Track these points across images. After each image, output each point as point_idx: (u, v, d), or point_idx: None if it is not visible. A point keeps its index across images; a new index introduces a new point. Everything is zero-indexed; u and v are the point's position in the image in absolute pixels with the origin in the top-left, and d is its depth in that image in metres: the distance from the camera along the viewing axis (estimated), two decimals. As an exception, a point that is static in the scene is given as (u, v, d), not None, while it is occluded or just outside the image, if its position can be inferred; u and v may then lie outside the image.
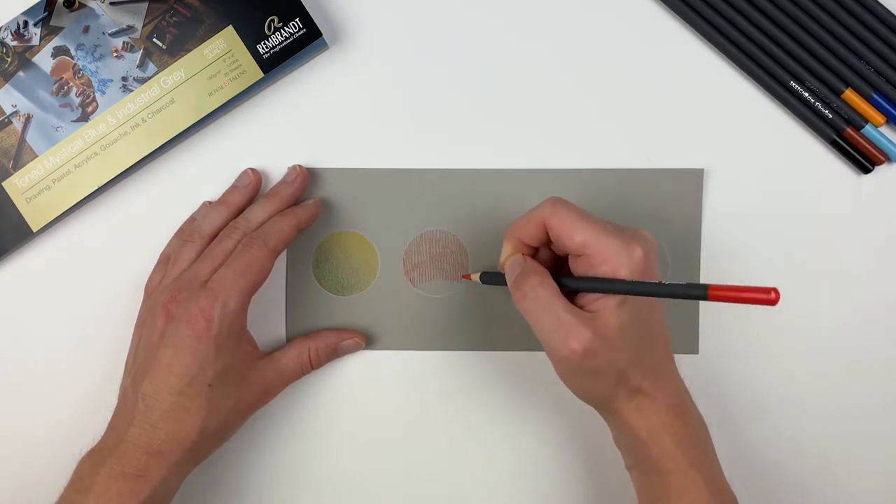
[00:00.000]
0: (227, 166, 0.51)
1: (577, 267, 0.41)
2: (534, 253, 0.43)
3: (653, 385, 0.41)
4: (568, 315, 0.39)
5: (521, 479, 0.51)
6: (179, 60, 0.48)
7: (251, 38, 0.48)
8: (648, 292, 0.37)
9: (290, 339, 0.51)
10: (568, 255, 0.42)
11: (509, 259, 0.43)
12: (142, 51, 0.48)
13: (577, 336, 0.39)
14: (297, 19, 0.48)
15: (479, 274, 0.48)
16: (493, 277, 0.47)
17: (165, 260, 0.49)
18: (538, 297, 0.40)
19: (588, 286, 0.40)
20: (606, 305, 0.39)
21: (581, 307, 0.40)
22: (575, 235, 0.40)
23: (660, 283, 0.37)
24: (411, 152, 0.51)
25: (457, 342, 0.51)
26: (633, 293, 0.38)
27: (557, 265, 0.44)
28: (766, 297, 0.30)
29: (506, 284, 0.43)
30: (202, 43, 0.48)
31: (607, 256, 0.39)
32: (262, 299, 0.48)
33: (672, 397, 0.42)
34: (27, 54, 0.48)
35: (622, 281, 0.39)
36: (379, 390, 0.51)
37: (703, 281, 0.51)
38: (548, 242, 0.43)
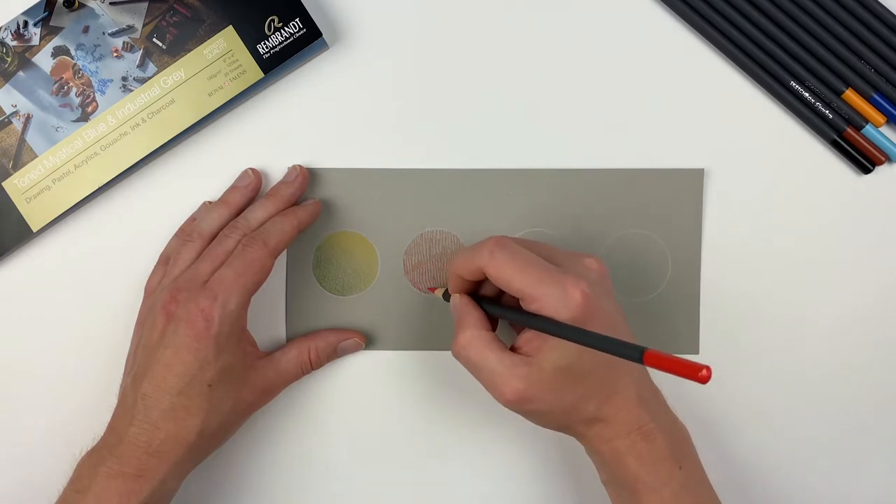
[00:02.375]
0: (227, 166, 0.51)
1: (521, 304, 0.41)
2: (478, 286, 0.44)
3: (610, 411, 0.41)
4: (500, 367, 0.40)
5: (521, 479, 0.51)
6: (179, 60, 0.48)
7: (251, 38, 0.48)
8: (580, 341, 0.37)
9: (290, 339, 0.51)
10: None
11: (452, 298, 0.44)
12: (142, 51, 0.48)
13: (509, 387, 0.40)
14: (297, 19, 0.48)
15: (443, 290, 0.48)
16: None
17: (165, 260, 0.49)
18: (469, 355, 0.41)
19: (529, 322, 0.40)
20: (542, 347, 0.40)
21: (520, 347, 0.41)
22: (512, 284, 0.40)
23: (594, 333, 0.36)
24: (411, 152, 0.51)
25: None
26: (567, 338, 0.38)
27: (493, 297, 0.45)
28: (697, 374, 0.29)
29: None
30: (202, 43, 0.48)
31: (544, 305, 0.39)
32: (262, 299, 0.48)
33: (633, 420, 0.41)
34: (27, 54, 0.48)
35: (559, 324, 0.38)
36: (379, 390, 0.51)
37: (702, 282, 0.51)
38: None
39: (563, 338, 0.38)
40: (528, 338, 0.41)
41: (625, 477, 0.41)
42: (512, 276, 0.40)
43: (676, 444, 0.42)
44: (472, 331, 0.42)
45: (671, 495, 0.41)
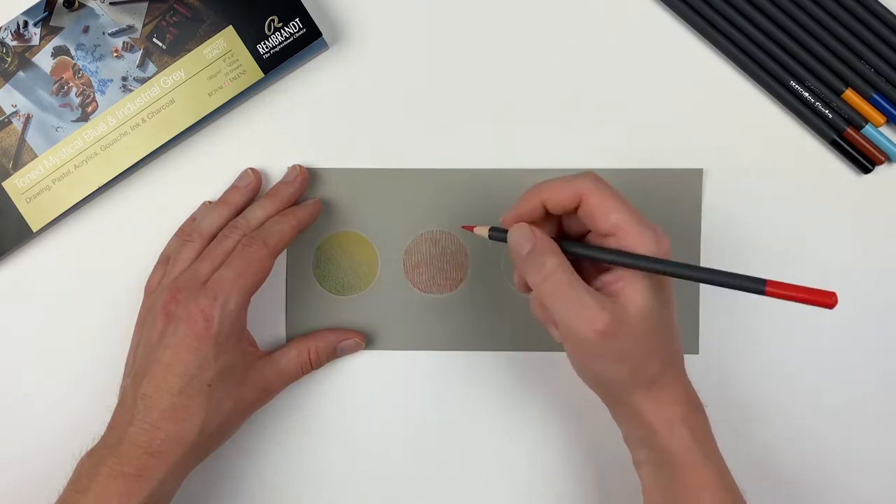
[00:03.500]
0: (227, 166, 0.51)
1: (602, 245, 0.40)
2: (540, 221, 0.42)
3: (670, 375, 0.41)
4: (590, 297, 0.38)
5: (522, 478, 0.51)
6: (179, 60, 0.48)
7: (251, 38, 0.48)
8: (696, 277, 0.36)
9: (290, 339, 0.51)
10: (588, 232, 0.41)
11: (517, 227, 0.41)
12: (142, 51, 0.48)
13: (601, 318, 0.38)
14: (297, 19, 0.48)
15: (486, 228, 0.45)
16: (503, 234, 0.43)
17: (165, 260, 0.49)
18: (559, 281, 0.39)
19: (627, 261, 0.39)
20: (629, 291, 0.39)
21: (601, 288, 0.40)
22: (611, 215, 0.39)
23: (708, 268, 0.35)
24: (411, 152, 0.51)
25: (457, 342, 0.51)
26: (678, 276, 0.37)
27: (556, 238, 0.42)
28: (827, 300, 0.29)
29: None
30: (202, 43, 0.48)
31: (637, 242, 0.38)
32: (262, 299, 0.48)
33: (686, 389, 0.41)
34: (27, 54, 0.48)
35: (669, 261, 0.37)
36: (379, 390, 0.51)
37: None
38: (566, 214, 0.41)
39: (673, 274, 0.37)
40: (610, 280, 0.39)
41: (674, 450, 0.40)
42: (614, 206, 0.39)
43: (710, 426, 0.42)
44: (559, 259, 0.39)
45: (716, 474, 0.40)
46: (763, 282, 0.30)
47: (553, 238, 0.41)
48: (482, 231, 0.44)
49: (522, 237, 0.41)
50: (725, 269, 0.50)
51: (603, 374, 0.41)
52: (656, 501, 0.42)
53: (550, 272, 0.39)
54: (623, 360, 0.39)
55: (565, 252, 0.40)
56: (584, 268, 0.41)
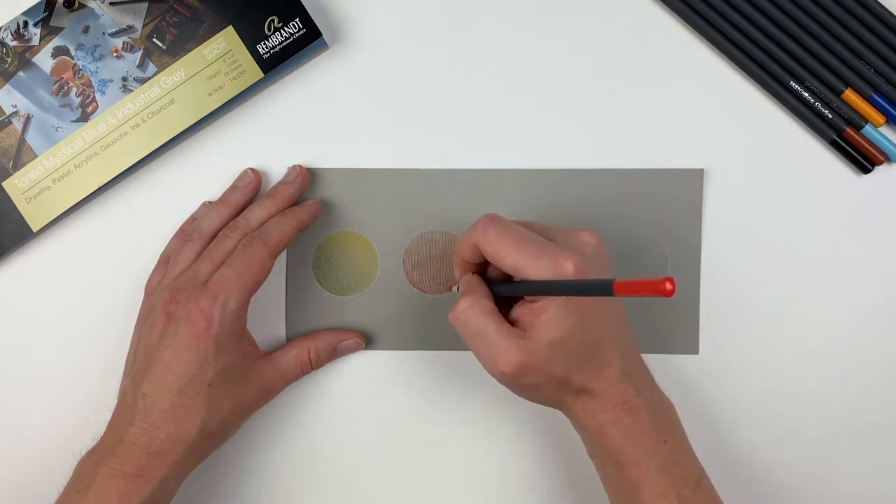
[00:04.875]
0: (227, 166, 0.51)
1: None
2: (485, 266, 0.44)
3: (597, 385, 0.41)
4: (497, 337, 0.40)
5: (522, 478, 0.51)
6: (179, 60, 0.48)
7: (251, 38, 0.48)
8: (553, 291, 0.38)
9: (290, 339, 0.51)
10: None
11: (461, 279, 0.44)
12: (142, 51, 0.48)
13: (506, 359, 0.40)
14: (296, 19, 0.48)
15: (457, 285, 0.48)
16: None
17: (165, 260, 0.49)
18: (468, 320, 0.41)
19: (518, 290, 0.41)
20: (535, 322, 0.40)
21: (516, 320, 0.41)
22: (506, 259, 0.40)
23: (563, 281, 0.38)
24: (411, 152, 0.51)
25: (456, 342, 0.51)
26: (540, 293, 0.39)
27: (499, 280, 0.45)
28: (662, 288, 0.29)
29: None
30: (202, 43, 0.48)
31: (538, 275, 0.39)
32: (262, 299, 0.48)
33: (619, 395, 0.42)
34: (27, 54, 0.48)
35: (535, 283, 0.39)
36: (379, 390, 0.51)
37: (702, 282, 0.51)
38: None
39: (537, 293, 0.39)
40: (522, 312, 0.41)
41: (609, 449, 0.42)
42: (505, 251, 0.40)
43: (661, 419, 0.43)
44: (476, 297, 0.41)
45: (656, 467, 0.41)
46: (611, 283, 0.31)
47: (500, 279, 0.44)
48: (456, 289, 0.48)
49: (460, 284, 0.44)
50: (726, 268, 0.51)
51: (528, 397, 0.44)
52: (608, 492, 0.44)
53: (461, 311, 0.41)
54: (541, 387, 0.41)
55: (495, 293, 0.43)
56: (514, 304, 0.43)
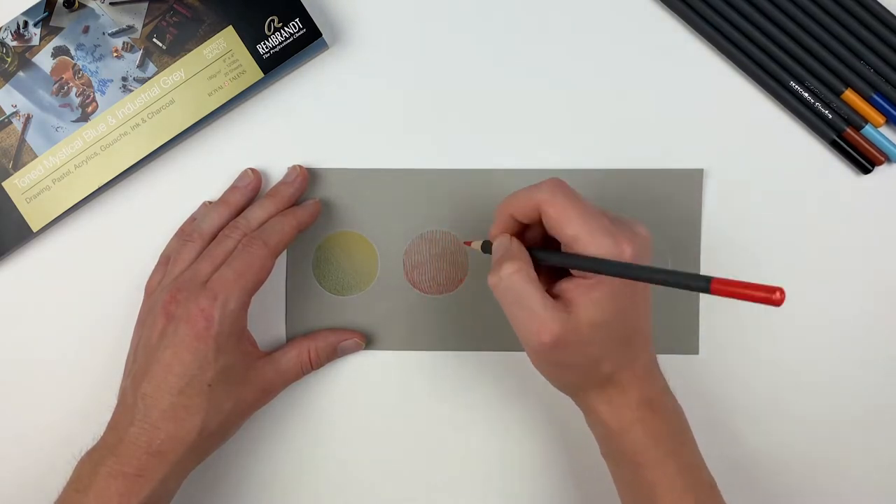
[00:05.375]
0: (227, 166, 0.51)
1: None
2: (524, 229, 0.42)
3: (626, 377, 0.41)
4: (540, 307, 0.39)
5: (522, 478, 0.51)
6: (179, 60, 0.48)
7: (251, 38, 0.48)
8: (641, 277, 0.36)
9: (290, 339, 0.51)
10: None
11: (497, 239, 0.42)
12: (142, 51, 0.48)
13: (548, 329, 0.38)
14: (296, 19, 0.48)
15: (480, 242, 0.46)
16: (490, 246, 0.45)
17: (165, 260, 0.49)
18: (512, 286, 0.39)
19: (583, 264, 0.39)
20: (583, 299, 0.39)
21: (559, 294, 0.40)
22: (567, 228, 0.39)
23: (655, 267, 0.36)
24: (411, 152, 0.51)
25: (456, 342, 0.51)
26: (626, 276, 0.37)
27: (548, 240, 0.42)
28: (769, 296, 0.28)
29: None
30: (202, 43, 0.48)
31: (595, 252, 0.38)
32: (262, 299, 0.48)
33: (645, 391, 0.41)
34: (27, 54, 0.48)
35: (615, 263, 0.38)
36: (379, 390, 0.51)
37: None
38: (540, 221, 0.42)
39: (599, 271, 0.37)
40: (569, 287, 0.40)
41: (629, 449, 0.41)
42: (570, 218, 0.39)
43: (681, 421, 0.43)
44: (521, 263, 0.39)
45: (675, 471, 0.41)
46: (708, 280, 0.30)
47: (536, 246, 0.42)
48: (476, 245, 0.46)
49: (497, 246, 0.42)
50: (726, 268, 0.51)
51: (556, 377, 0.42)
52: (620, 493, 0.43)
53: (507, 276, 0.39)
54: (574, 366, 0.40)
55: (537, 260, 0.41)
56: (557, 274, 0.41)
